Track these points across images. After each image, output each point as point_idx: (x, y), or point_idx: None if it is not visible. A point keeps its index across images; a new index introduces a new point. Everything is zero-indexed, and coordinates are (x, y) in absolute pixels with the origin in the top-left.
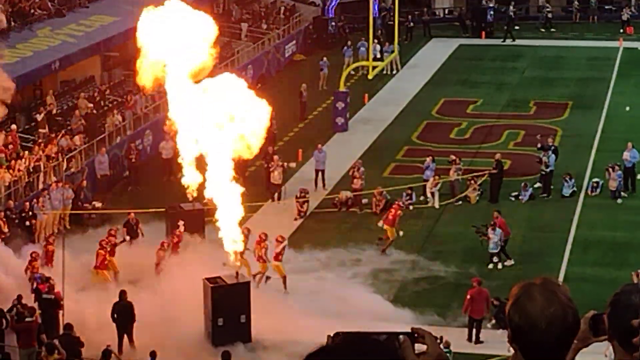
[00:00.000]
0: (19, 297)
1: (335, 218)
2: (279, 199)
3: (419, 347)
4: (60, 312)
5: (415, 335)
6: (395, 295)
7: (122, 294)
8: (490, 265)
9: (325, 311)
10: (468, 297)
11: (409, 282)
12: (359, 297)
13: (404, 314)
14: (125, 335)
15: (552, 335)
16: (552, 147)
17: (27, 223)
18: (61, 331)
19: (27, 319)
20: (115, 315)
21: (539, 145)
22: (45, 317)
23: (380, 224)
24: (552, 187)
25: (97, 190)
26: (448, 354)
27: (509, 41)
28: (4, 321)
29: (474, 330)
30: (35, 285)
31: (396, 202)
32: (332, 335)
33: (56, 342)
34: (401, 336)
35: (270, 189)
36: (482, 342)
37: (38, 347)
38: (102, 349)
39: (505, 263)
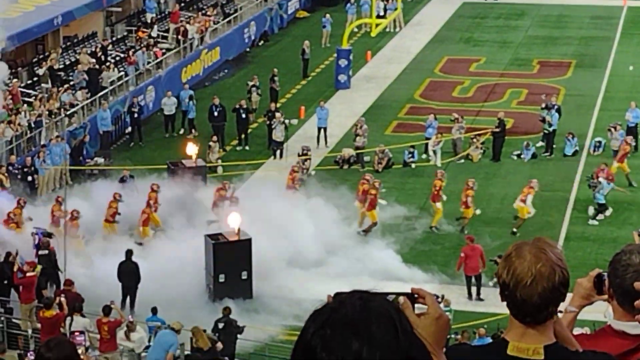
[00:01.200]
0: (16, 252)
1: (337, 175)
2: (280, 156)
3: (420, 308)
4: (58, 270)
5: (415, 296)
6: (398, 252)
7: (128, 253)
8: (600, 217)
9: (332, 268)
10: (462, 254)
11: (409, 240)
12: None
13: (409, 272)
14: (129, 295)
15: (536, 292)
16: (556, 106)
17: (29, 178)
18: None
19: (27, 274)
20: (121, 275)
21: (543, 105)
22: (45, 273)
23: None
24: (554, 146)
25: (99, 146)
26: (448, 313)
27: None
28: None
29: (475, 288)
30: (37, 240)
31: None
32: (332, 295)
33: (62, 298)
34: (401, 297)
35: (272, 146)
36: (482, 299)
37: (38, 302)
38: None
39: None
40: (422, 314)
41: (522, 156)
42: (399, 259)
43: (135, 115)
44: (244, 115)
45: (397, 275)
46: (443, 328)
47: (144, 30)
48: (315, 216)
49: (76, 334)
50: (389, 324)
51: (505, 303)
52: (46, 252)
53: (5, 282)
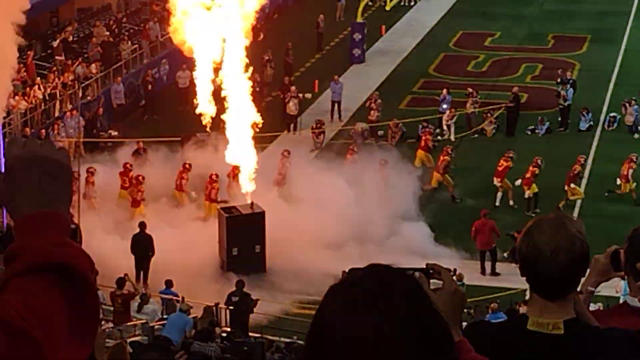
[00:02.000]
0: None
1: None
2: (294, 129)
3: (435, 283)
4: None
5: (431, 271)
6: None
7: (142, 225)
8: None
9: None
10: (473, 228)
11: (423, 214)
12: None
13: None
14: (142, 267)
15: (556, 264)
16: (571, 81)
17: None
18: None
19: None
20: (134, 248)
21: (558, 80)
22: None
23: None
24: (569, 121)
25: (113, 119)
26: (461, 287)
27: None
28: None
29: (489, 263)
30: None
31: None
32: (346, 270)
33: None
34: (416, 273)
35: (286, 120)
36: (498, 274)
37: None
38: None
39: None
40: (438, 289)
41: (536, 131)
42: (427, 235)
43: (150, 87)
44: (257, 89)
45: (420, 252)
46: (459, 303)
47: (158, 2)
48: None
49: None
50: (409, 299)
51: (525, 278)
52: (72, 226)
53: None
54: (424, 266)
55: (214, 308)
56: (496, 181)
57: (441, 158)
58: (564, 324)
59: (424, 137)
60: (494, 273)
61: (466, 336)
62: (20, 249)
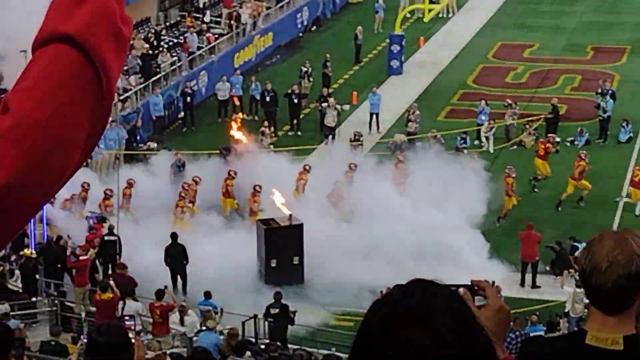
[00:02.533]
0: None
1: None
2: (332, 141)
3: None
4: (117, 255)
5: (475, 287)
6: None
7: (174, 236)
8: None
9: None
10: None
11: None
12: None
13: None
14: (180, 278)
15: (611, 278)
16: (610, 92)
17: (83, 162)
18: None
19: (81, 257)
20: (168, 259)
21: (599, 90)
22: (104, 257)
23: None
24: (608, 132)
25: (152, 131)
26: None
27: None
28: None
29: (530, 276)
30: (91, 223)
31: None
32: (392, 286)
33: (110, 281)
34: (461, 289)
35: (324, 132)
36: (538, 287)
37: (92, 286)
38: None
39: None
40: (482, 306)
41: (575, 142)
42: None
43: (188, 100)
44: (296, 101)
45: (465, 264)
46: (504, 320)
47: (195, 16)
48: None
49: (126, 318)
50: (453, 315)
51: (584, 290)
52: (113, 237)
53: (59, 265)
54: (469, 282)
55: (253, 320)
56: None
57: (576, 164)
58: (624, 340)
59: (543, 146)
60: (534, 286)
61: (522, 352)
62: None
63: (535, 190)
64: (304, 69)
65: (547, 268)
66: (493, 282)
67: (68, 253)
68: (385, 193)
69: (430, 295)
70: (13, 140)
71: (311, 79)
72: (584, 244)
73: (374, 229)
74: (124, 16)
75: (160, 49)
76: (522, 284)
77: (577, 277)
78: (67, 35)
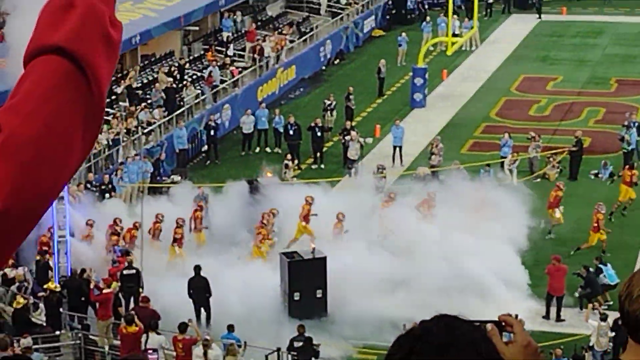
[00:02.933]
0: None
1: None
2: (355, 174)
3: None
4: (140, 288)
5: (503, 323)
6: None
7: (197, 269)
8: None
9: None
10: (546, 272)
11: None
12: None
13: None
14: (203, 310)
15: (639, 306)
16: (636, 124)
17: (107, 195)
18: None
19: (104, 291)
20: (191, 291)
21: (625, 123)
22: (125, 291)
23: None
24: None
25: (176, 164)
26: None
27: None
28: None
29: (554, 309)
30: (114, 257)
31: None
32: (412, 321)
33: (133, 314)
34: (489, 325)
35: (347, 165)
36: (562, 320)
37: (115, 319)
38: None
39: None
40: (510, 342)
41: (599, 175)
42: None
43: (212, 133)
44: (319, 134)
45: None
46: (532, 356)
47: (219, 50)
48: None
49: (149, 351)
50: (476, 352)
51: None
52: (133, 271)
53: (83, 298)
54: (497, 318)
55: (277, 353)
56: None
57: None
58: None
59: (629, 173)
60: (558, 319)
61: None
62: None
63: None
64: (328, 102)
65: (577, 294)
66: (516, 316)
67: (92, 286)
68: (412, 224)
69: (454, 331)
70: (3, 158)
71: (334, 113)
72: (609, 266)
73: (401, 261)
74: (114, 20)
75: (184, 82)
76: (547, 316)
77: (602, 311)
78: (56, 47)
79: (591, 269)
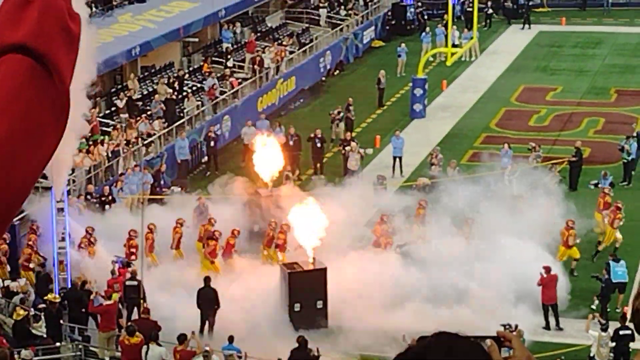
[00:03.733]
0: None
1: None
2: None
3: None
4: (142, 300)
5: (502, 339)
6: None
7: (206, 280)
8: None
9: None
10: (539, 282)
11: None
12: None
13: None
14: (207, 322)
15: None
16: (636, 135)
17: (107, 207)
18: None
19: (105, 302)
20: (200, 302)
21: (634, 134)
22: (127, 302)
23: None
24: (633, 173)
25: (176, 175)
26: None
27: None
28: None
29: (552, 318)
30: (115, 268)
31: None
32: (416, 338)
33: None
34: (488, 340)
35: (347, 175)
36: (561, 329)
37: (117, 331)
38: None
39: None
40: (509, 357)
41: (599, 185)
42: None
43: (212, 144)
44: (319, 145)
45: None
46: None
47: (218, 61)
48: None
49: None
50: None
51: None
52: (135, 282)
53: (83, 310)
54: (495, 334)
55: None
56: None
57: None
58: None
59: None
60: (558, 326)
61: None
62: None
63: None
64: (336, 112)
65: (596, 299)
66: (516, 326)
67: (92, 296)
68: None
69: (453, 349)
70: None
71: (341, 125)
72: (621, 262)
73: (402, 271)
74: (72, 12)
75: (185, 93)
76: (547, 327)
77: (602, 321)
78: (17, 45)
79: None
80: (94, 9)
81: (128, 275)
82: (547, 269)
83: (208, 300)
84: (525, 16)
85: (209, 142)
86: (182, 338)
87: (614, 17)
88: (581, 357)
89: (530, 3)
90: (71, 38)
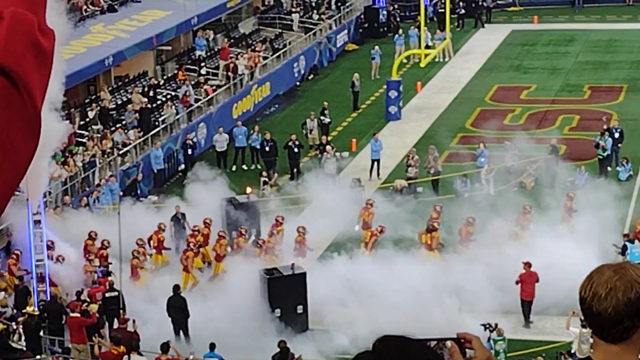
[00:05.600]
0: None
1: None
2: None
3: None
4: (122, 311)
5: (462, 340)
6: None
7: (175, 288)
8: None
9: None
10: (517, 279)
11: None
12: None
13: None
14: (181, 330)
15: (610, 304)
16: (618, 130)
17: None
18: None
19: (72, 314)
20: (170, 310)
21: (605, 127)
22: (107, 313)
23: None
24: (609, 169)
25: (153, 184)
26: (502, 342)
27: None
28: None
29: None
30: (95, 278)
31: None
32: (378, 339)
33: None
34: (448, 342)
35: (325, 179)
36: (531, 322)
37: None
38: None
39: None
40: (470, 358)
41: (575, 182)
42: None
43: (190, 152)
44: (295, 150)
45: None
46: None
47: (192, 69)
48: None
49: None
50: None
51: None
52: (115, 293)
53: (63, 322)
54: (455, 335)
55: None
56: None
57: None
58: None
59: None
60: (528, 323)
61: None
62: None
63: None
64: (309, 121)
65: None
66: (496, 324)
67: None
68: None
69: (405, 351)
70: None
71: (314, 132)
72: (636, 244)
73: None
74: (44, 27)
75: (159, 102)
76: (527, 324)
77: (582, 317)
78: None
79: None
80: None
81: (107, 287)
82: (528, 264)
83: (177, 309)
84: (476, 16)
85: (186, 150)
86: (164, 347)
87: (585, 14)
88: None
89: (500, 2)
90: (42, 54)
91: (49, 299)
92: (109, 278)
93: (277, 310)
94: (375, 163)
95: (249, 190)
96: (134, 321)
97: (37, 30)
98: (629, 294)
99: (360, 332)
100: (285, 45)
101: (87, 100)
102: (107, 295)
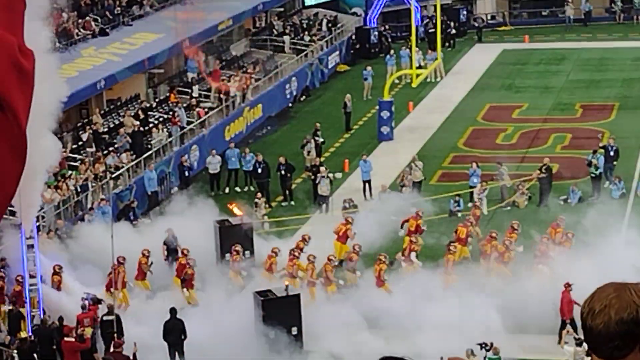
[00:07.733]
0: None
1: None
2: (326, 210)
3: None
4: (116, 334)
5: None
6: None
7: (172, 311)
8: None
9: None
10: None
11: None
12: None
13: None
14: (177, 353)
15: (602, 320)
16: (614, 148)
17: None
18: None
19: (66, 339)
20: (167, 334)
21: (600, 145)
22: (104, 337)
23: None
24: (604, 187)
25: (147, 207)
26: None
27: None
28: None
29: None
30: (86, 305)
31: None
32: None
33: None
34: None
35: (318, 201)
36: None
37: None
38: None
39: None
40: None
41: (568, 200)
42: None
43: (186, 173)
44: (284, 172)
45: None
46: None
47: (184, 91)
48: None
49: None
50: None
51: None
52: (112, 317)
53: (54, 347)
54: (447, 359)
55: None
56: None
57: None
58: None
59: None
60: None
61: None
62: None
63: None
64: (305, 141)
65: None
66: (492, 344)
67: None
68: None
69: None
70: None
71: (312, 152)
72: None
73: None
74: (24, 48)
75: (151, 125)
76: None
77: (577, 336)
78: None
79: None
80: (57, 44)
81: (105, 310)
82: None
83: (175, 332)
84: (445, 36)
85: (182, 171)
86: None
87: (576, 33)
88: None
89: (491, 22)
90: (23, 74)
91: (40, 322)
92: (100, 305)
93: (272, 332)
94: (367, 184)
95: (236, 210)
96: (134, 344)
97: (18, 52)
98: (622, 313)
99: (356, 354)
100: (276, 67)
101: (79, 124)
102: (104, 318)
